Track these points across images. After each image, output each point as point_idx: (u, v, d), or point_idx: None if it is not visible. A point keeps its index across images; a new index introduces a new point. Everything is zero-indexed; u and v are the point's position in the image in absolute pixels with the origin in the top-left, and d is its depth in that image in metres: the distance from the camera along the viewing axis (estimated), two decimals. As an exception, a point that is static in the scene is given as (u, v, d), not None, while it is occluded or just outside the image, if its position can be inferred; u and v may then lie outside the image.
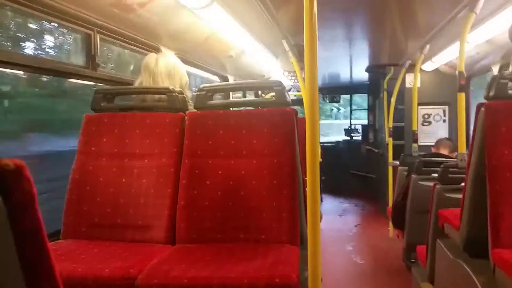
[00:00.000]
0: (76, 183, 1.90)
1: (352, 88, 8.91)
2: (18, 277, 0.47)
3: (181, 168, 1.86)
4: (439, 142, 3.91)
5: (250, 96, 5.25)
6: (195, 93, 2.03)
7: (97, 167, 1.91)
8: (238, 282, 1.33)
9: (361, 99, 10.10)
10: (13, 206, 0.45)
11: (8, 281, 0.45)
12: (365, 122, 8.56)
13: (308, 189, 1.31)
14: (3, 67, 2.04)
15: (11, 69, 2.48)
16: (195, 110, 1.98)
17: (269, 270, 1.38)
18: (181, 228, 1.80)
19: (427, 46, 3.76)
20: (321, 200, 7.40)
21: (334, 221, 6.09)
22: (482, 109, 1.66)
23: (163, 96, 2.02)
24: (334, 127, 13.06)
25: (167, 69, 2.13)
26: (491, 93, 1.68)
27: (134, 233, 1.83)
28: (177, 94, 2.01)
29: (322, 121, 11.01)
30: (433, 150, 3.95)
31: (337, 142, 9.25)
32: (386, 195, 5.38)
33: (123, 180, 1.89)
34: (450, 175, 2.45)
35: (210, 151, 1.88)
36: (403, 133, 5.57)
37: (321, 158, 6.70)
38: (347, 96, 9.80)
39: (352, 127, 9.21)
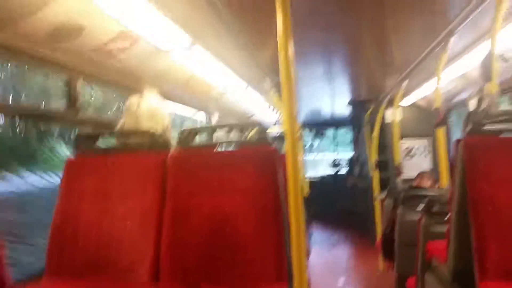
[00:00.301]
0: (58, 227, 1.88)
1: (336, 122, 9.03)
2: None
3: (165, 208, 1.85)
4: (420, 175, 3.94)
5: (235, 133, 5.27)
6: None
7: (79, 210, 1.89)
8: None
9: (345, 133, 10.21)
10: None
11: None
12: (350, 155, 8.63)
13: (292, 224, 1.30)
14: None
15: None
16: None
17: None
18: (166, 267, 1.76)
19: (405, 82, 3.86)
20: (310, 234, 7.33)
21: (324, 255, 6.02)
22: (460, 144, 1.69)
23: (145, 138, 2.03)
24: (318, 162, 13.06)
25: (149, 111, 2.15)
26: (468, 129, 1.72)
27: (117, 273, 1.79)
28: (159, 135, 2.02)
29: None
30: (414, 183, 3.97)
31: (323, 177, 9.27)
32: (375, 228, 5.36)
33: (106, 222, 1.87)
34: (434, 208, 2.46)
35: (194, 190, 1.87)
36: (388, 166, 5.62)
37: (307, 192, 6.71)
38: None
39: (337, 161, 9.26)
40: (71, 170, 1.97)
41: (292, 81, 1.30)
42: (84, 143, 2.02)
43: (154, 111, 2.17)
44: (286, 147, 1.32)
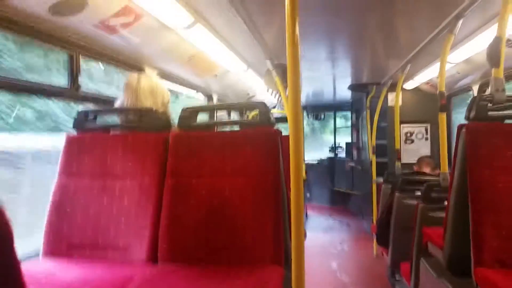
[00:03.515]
0: (56, 204, 1.87)
1: (336, 105, 9.01)
2: None
3: (164, 188, 1.84)
4: (420, 160, 3.95)
5: (235, 115, 5.27)
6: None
7: (78, 188, 1.89)
8: None
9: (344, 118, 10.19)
10: None
11: None
12: (349, 139, 8.64)
13: (292, 208, 1.30)
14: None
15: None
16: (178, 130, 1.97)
17: None
18: (164, 248, 1.77)
19: (408, 66, 3.83)
20: (306, 217, 7.39)
21: (319, 238, 6.07)
22: (463, 130, 1.69)
23: (146, 115, 2.01)
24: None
25: (150, 88, 2.13)
26: (472, 115, 1.72)
27: (115, 253, 1.80)
28: (160, 114, 2.00)
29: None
30: (415, 168, 3.99)
31: (321, 160, 9.29)
32: (371, 213, 5.40)
33: (104, 200, 1.86)
34: (433, 194, 2.47)
35: (194, 170, 1.86)
36: (387, 150, 5.63)
37: (305, 175, 6.74)
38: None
39: (336, 145, 9.27)
40: (71, 146, 1.95)
41: (298, 63, 1.28)
42: (84, 120, 2.01)
43: (154, 88, 2.15)
44: (289, 130, 1.31)
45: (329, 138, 10.01)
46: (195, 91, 4.24)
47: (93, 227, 1.83)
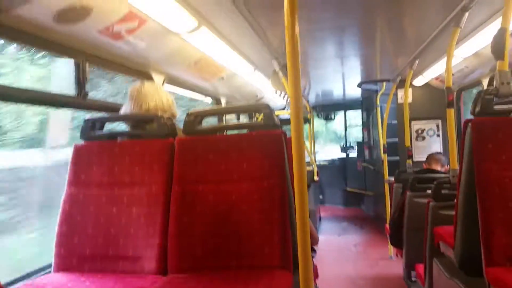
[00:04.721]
0: (67, 214, 1.87)
1: (346, 104, 8.95)
2: None
3: (171, 196, 1.84)
4: (430, 157, 3.90)
5: (244, 118, 5.27)
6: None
7: (87, 197, 1.89)
8: None
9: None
10: None
11: None
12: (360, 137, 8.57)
13: (297, 211, 1.29)
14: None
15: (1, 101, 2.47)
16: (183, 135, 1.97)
17: None
18: (173, 258, 1.77)
19: (416, 61, 3.79)
20: (320, 220, 7.34)
21: (333, 242, 6.03)
22: (469, 125, 1.66)
23: (151, 121, 2.02)
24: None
25: (153, 89, 2.14)
26: (477, 109, 1.69)
27: (125, 264, 1.79)
28: (165, 119, 2.00)
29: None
30: (424, 166, 3.94)
31: (333, 160, 9.23)
32: (384, 213, 5.35)
33: (114, 209, 1.86)
34: (443, 192, 2.43)
35: (200, 176, 1.85)
36: (396, 149, 5.57)
37: (317, 177, 6.69)
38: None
39: (347, 144, 9.21)
40: (79, 156, 1.96)
41: (298, 61, 1.27)
42: (91, 128, 2.02)
43: (157, 89, 2.17)
44: (291, 130, 1.30)
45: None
46: (203, 95, 4.25)
47: (104, 238, 1.83)
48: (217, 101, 4.60)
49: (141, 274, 1.75)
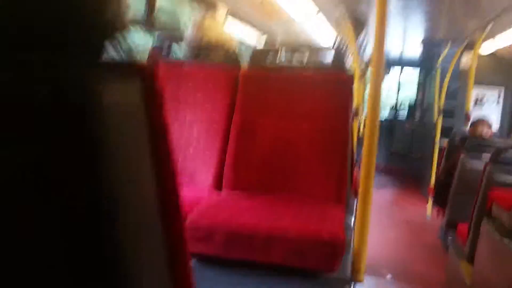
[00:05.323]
0: None
1: (403, 62, 8.56)
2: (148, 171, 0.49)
3: (232, 123, 1.90)
4: (476, 121, 3.78)
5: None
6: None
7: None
8: (285, 234, 1.36)
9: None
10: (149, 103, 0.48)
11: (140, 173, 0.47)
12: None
13: (365, 147, 1.31)
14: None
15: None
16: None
17: (316, 225, 1.39)
18: (229, 176, 1.84)
19: (489, 26, 3.55)
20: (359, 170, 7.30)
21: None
22: None
23: (219, 52, 2.06)
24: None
25: (212, 28, 2.16)
26: None
27: (181, 177, 1.89)
28: (231, 53, 2.03)
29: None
30: (469, 130, 3.83)
31: (380, 121, 8.97)
32: (428, 175, 5.26)
33: (176, 126, 1.95)
34: (502, 157, 2.37)
35: (261, 110, 1.89)
36: (451, 113, 5.38)
37: (362, 133, 6.59)
38: None
39: (398, 104, 8.90)
40: None
41: (385, 12, 1.25)
42: (159, 54, 2.07)
43: (219, 25, 2.19)
44: (371, 77, 1.31)
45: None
46: (261, 33, 4.20)
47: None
48: (272, 42, 4.53)
49: (197, 187, 1.84)
